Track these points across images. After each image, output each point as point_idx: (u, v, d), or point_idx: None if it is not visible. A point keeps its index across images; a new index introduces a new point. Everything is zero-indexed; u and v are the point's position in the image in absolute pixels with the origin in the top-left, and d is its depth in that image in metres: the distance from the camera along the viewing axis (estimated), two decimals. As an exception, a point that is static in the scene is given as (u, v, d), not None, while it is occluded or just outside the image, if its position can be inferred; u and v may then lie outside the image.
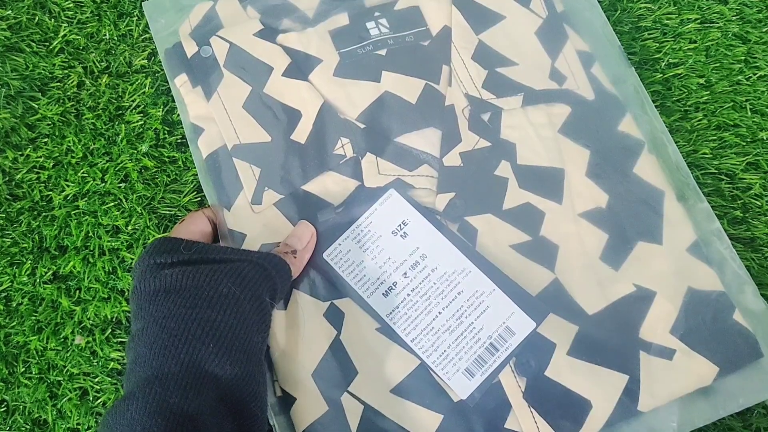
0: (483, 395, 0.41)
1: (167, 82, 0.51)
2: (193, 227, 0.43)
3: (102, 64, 0.53)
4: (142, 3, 0.51)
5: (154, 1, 0.51)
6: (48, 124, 0.52)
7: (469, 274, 0.43)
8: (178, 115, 0.50)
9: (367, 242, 0.44)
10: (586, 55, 0.50)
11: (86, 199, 0.50)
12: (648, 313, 0.43)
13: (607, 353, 0.42)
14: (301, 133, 0.47)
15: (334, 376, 0.42)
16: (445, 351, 0.42)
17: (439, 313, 0.43)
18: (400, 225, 0.45)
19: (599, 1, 0.54)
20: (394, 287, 0.43)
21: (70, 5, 0.55)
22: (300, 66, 0.48)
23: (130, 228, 0.49)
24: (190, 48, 0.48)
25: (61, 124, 0.52)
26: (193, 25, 0.50)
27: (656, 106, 0.53)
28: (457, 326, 0.42)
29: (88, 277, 0.48)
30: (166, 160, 0.51)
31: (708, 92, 0.54)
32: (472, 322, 0.42)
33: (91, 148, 0.51)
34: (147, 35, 0.54)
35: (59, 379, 0.47)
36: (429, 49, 0.49)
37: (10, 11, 0.54)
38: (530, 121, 0.48)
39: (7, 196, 0.50)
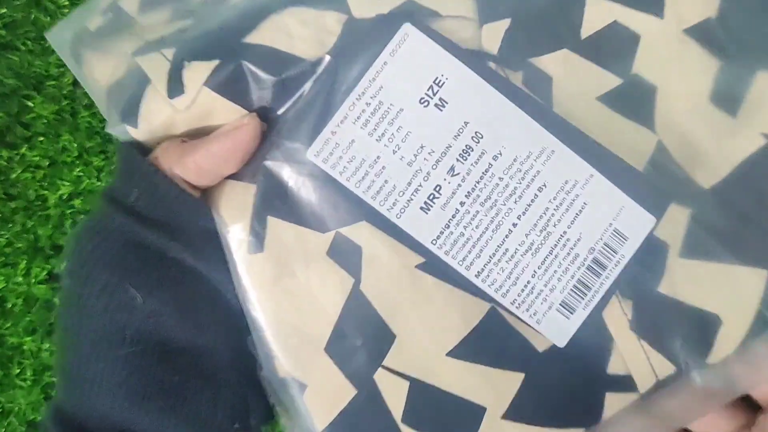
0: (579, 337, 0.28)
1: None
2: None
3: (99, 62, 0.55)
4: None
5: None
6: (43, 123, 0.53)
7: (552, 155, 0.27)
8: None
9: (381, 123, 0.26)
10: None
11: (81, 198, 0.51)
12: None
13: (738, 244, 0.30)
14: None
15: (360, 345, 0.27)
16: (528, 282, 0.27)
17: (514, 225, 0.27)
18: (431, 86, 0.26)
19: None
20: (437, 195, 0.26)
21: (66, 3, 0.55)
22: None
23: (126, 227, 0.51)
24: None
25: (56, 122, 0.53)
26: None
27: None
28: (543, 242, 0.27)
29: (83, 277, 0.50)
30: (162, 158, 0.52)
31: None
32: (564, 232, 0.27)
33: (86, 146, 0.53)
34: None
35: (54, 380, 0.44)
36: None
37: (5, 9, 0.55)
38: None
39: (2, 196, 0.52)
